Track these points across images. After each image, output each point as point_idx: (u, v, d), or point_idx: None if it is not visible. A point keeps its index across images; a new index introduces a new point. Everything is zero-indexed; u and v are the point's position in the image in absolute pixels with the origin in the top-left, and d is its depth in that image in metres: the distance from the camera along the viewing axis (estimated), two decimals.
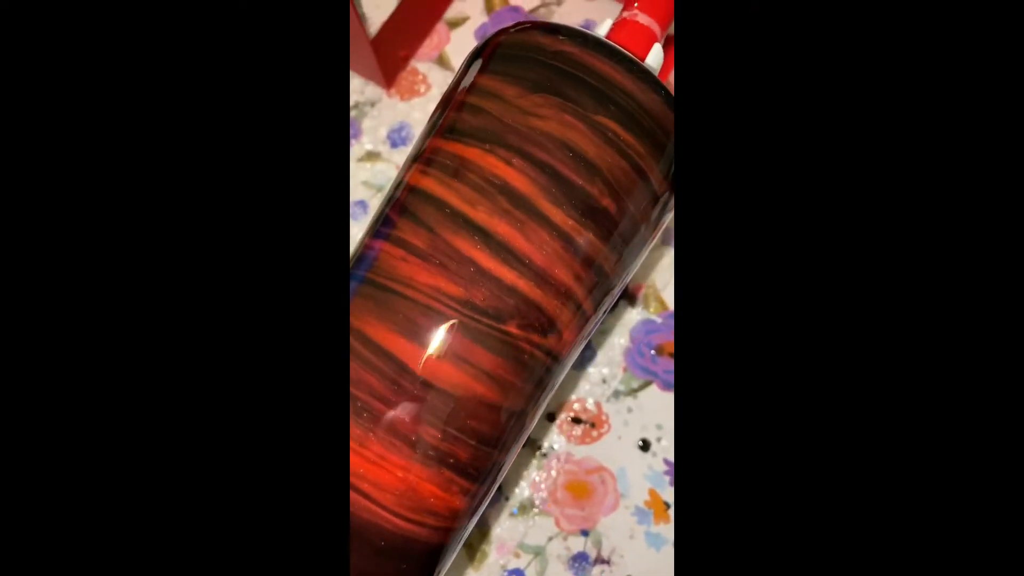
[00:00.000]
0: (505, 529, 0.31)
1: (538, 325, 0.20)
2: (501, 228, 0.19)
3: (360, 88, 0.36)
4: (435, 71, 0.36)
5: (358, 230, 0.34)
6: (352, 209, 0.34)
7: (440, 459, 0.19)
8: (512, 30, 0.21)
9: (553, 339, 0.20)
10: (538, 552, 0.30)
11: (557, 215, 0.19)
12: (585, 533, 0.31)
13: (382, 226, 0.21)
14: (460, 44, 0.36)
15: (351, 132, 0.35)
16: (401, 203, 0.21)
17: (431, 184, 0.20)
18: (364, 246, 0.21)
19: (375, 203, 0.35)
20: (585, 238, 0.20)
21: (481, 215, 0.19)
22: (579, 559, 0.30)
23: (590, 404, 0.32)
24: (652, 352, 0.32)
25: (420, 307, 0.19)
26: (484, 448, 0.20)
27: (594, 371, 0.32)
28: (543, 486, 0.31)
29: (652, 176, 0.20)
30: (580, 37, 0.20)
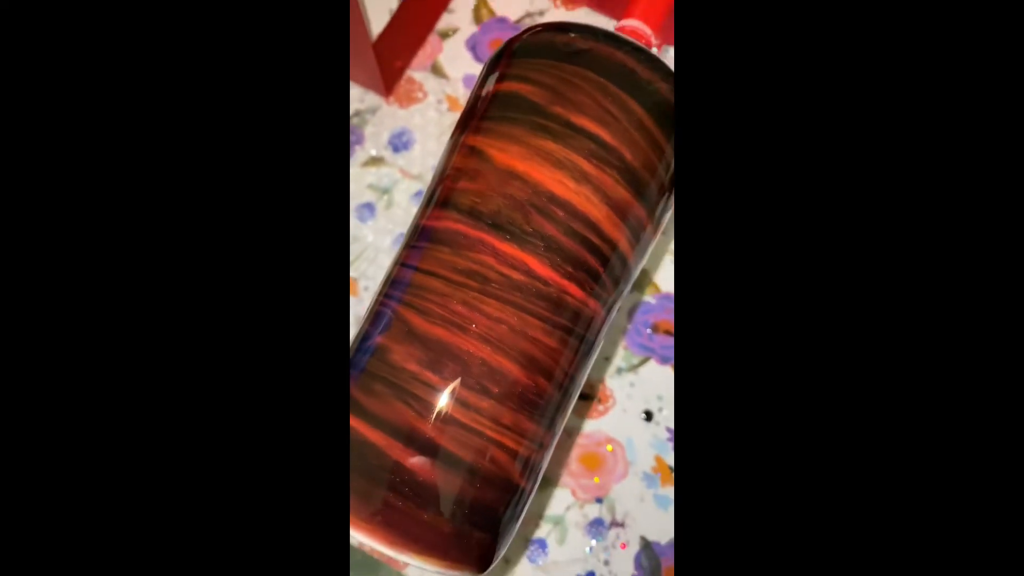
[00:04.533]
0: None
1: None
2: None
3: (360, 97, 0.38)
4: (431, 79, 0.38)
5: (367, 232, 0.36)
6: (359, 211, 0.36)
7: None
8: (527, 33, 0.24)
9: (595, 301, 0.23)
10: (558, 521, 0.33)
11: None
12: (599, 500, 0.33)
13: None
14: (452, 53, 0.38)
15: (354, 139, 0.37)
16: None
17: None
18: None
19: (381, 205, 0.36)
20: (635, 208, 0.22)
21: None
22: (596, 524, 0.33)
23: (595, 381, 0.34)
24: (649, 331, 0.35)
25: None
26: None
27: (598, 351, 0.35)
28: (558, 460, 0.33)
29: (667, 153, 0.22)
30: (597, 34, 0.23)
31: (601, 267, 0.22)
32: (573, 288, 0.21)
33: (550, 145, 0.21)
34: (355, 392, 0.21)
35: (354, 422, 0.20)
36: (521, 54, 0.23)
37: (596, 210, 0.21)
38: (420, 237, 0.22)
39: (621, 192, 0.22)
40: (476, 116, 0.23)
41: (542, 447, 0.22)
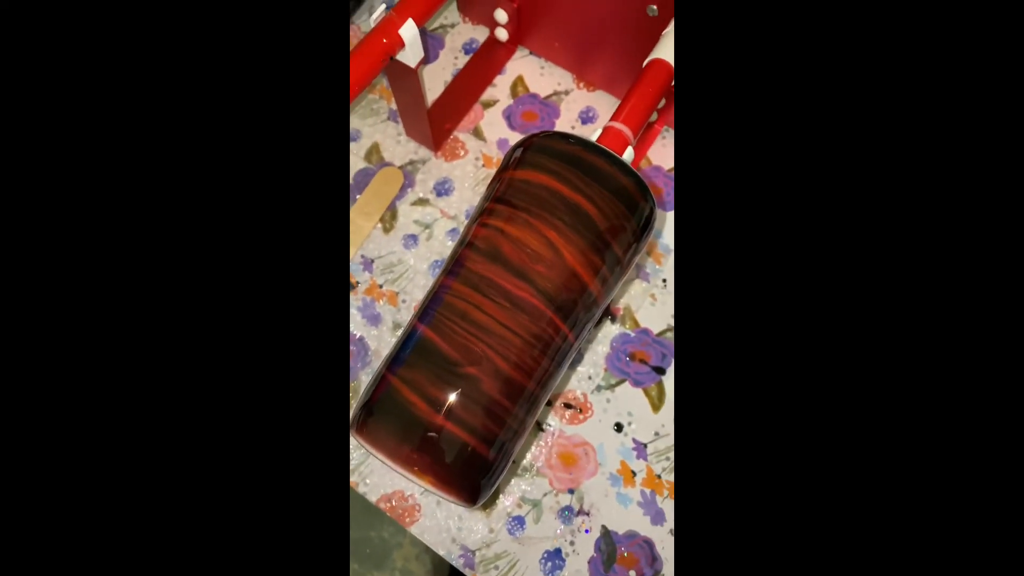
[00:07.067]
0: (512, 485, 0.41)
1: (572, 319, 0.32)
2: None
3: (414, 150, 0.47)
4: (472, 140, 0.47)
5: (409, 257, 0.45)
6: (405, 240, 0.45)
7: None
8: (540, 136, 0.33)
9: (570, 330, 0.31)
10: (535, 504, 0.40)
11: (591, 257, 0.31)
12: (571, 491, 0.41)
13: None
14: (491, 120, 0.48)
15: (407, 183, 0.46)
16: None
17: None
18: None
19: (423, 237, 0.46)
20: (602, 265, 0.31)
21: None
22: (566, 510, 0.40)
23: (578, 394, 0.42)
24: (627, 358, 0.43)
25: None
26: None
27: (582, 370, 0.43)
28: (541, 454, 0.41)
29: (629, 227, 0.31)
30: (583, 142, 0.32)
31: (593, 327, 0.33)
32: (576, 342, 0.32)
33: (598, 261, 0.31)
34: (411, 375, 0.30)
35: (411, 395, 0.29)
36: (575, 164, 0.31)
37: (604, 300, 0.33)
38: (502, 295, 0.30)
39: (615, 285, 0.33)
40: (548, 208, 0.31)
41: (522, 425, 0.31)
